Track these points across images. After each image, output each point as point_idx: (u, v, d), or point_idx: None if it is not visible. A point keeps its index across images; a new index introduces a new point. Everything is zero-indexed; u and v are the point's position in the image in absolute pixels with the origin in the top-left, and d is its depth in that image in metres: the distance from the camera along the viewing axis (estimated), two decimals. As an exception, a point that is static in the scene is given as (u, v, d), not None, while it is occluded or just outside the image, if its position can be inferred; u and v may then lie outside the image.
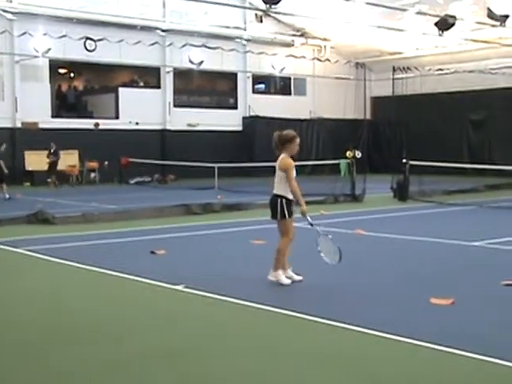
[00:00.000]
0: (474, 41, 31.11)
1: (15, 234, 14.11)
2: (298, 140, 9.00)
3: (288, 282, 8.89)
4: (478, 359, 5.86)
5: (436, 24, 24.12)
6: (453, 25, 23.52)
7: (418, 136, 36.76)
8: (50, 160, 29.08)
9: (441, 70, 35.97)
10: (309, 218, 8.89)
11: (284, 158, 8.89)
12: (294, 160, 9.00)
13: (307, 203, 20.30)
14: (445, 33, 23.53)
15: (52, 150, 29.14)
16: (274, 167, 9.03)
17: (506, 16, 23.72)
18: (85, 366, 5.88)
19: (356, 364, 5.88)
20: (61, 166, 31.41)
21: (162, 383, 5.45)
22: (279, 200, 8.86)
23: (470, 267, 10.48)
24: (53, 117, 32.54)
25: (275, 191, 8.96)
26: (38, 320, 7.48)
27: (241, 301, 8.06)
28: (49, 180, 29.26)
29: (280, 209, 8.86)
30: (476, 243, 12.62)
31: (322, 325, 7.05)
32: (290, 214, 8.95)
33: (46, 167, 29.49)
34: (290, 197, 8.88)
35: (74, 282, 9.57)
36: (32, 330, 7.04)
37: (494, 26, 24.45)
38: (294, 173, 8.83)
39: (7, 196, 22.85)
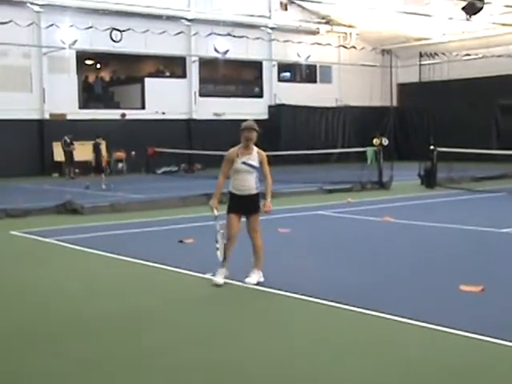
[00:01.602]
0: (503, 25, 30.74)
1: (44, 224, 14.25)
2: (246, 134, 8.23)
3: (217, 281, 8.24)
4: (507, 346, 5.82)
5: (463, 8, 23.88)
6: (481, 9, 23.28)
7: (445, 122, 36.53)
8: (68, 150, 29.35)
9: (468, 55, 35.61)
10: (215, 212, 8.37)
11: (231, 149, 8.44)
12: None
13: (335, 191, 20.28)
14: (472, 17, 23.28)
15: (68, 140, 29.34)
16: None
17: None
18: (111, 354, 5.96)
19: (386, 351, 5.87)
20: (89, 157, 31.62)
21: (187, 370, 5.49)
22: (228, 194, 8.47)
23: (500, 254, 10.40)
24: (80, 108, 32.73)
25: None
26: (65, 309, 7.54)
27: (266, 288, 8.08)
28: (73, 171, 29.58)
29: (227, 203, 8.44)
30: (506, 230, 12.52)
31: (352, 313, 7.05)
32: (230, 210, 8.37)
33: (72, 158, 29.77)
34: (234, 191, 8.36)
35: (102, 271, 9.65)
36: (59, 319, 7.11)
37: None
38: (227, 166, 8.29)
39: (104, 186, 22.98)
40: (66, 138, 29.37)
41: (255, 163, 8.28)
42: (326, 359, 5.71)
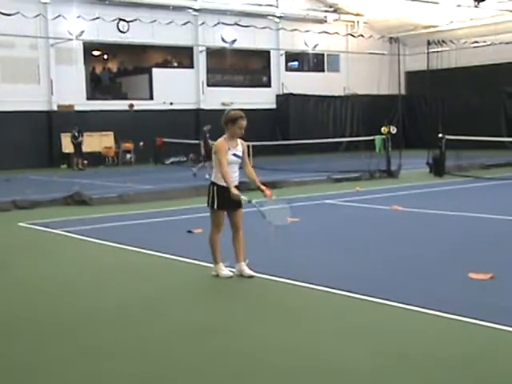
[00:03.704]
0: (511, 11, 30.56)
1: (53, 215, 14.28)
2: (242, 123, 8.06)
3: (228, 274, 8.19)
4: (517, 333, 5.82)
5: (471, -5, 23.74)
6: (489, -4, 23.14)
7: (453, 110, 36.40)
8: (77, 142, 29.48)
9: (476, 42, 35.42)
10: (243, 197, 8.05)
11: (218, 141, 8.16)
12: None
13: (343, 180, 20.10)
14: (480, 4, 23.15)
15: (76, 134, 29.48)
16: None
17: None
18: (121, 343, 5.99)
19: (393, 339, 5.87)
20: (97, 148, 31.75)
21: (196, 358, 5.50)
22: (210, 187, 8.20)
23: (510, 241, 10.36)
24: (88, 99, 32.77)
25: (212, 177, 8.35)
26: (74, 300, 7.56)
27: (273, 277, 8.09)
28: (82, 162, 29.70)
29: (209, 196, 8.20)
30: (515, 217, 12.47)
31: (358, 300, 7.04)
32: (220, 204, 8.12)
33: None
34: (223, 183, 8.05)
35: (110, 262, 9.66)
36: (68, 310, 7.13)
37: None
38: (225, 157, 8.00)
39: (207, 176, 22.27)
40: (74, 132, 29.49)
41: (241, 154, 8.25)
42: (333, 347, 5.71)
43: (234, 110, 8.40)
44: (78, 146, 29.67)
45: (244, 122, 8.12)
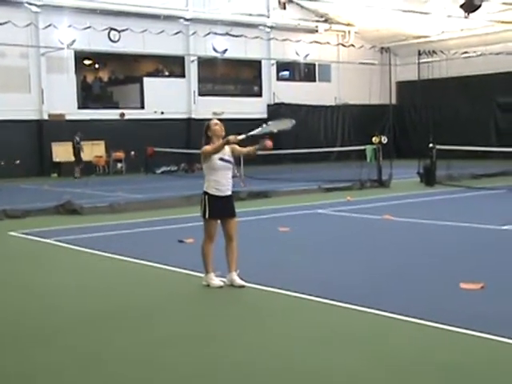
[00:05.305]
0: (502, 22, 30.74)
1: (44, 224, 14.24)
2: (215, 121, 8.41)
3: (219, 283, 8.15)
4: (507, 343, 5.82)
5: (461, 6, 23.85)
6: (479, 7, 23.25)
7: (444, 120, 36.54)
8: (77, 147, 29.50)
9: (467, 52, 35.59)
10: (241, 136, 8.04)
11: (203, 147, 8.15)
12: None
13: (334, 189, 20.03)
14: (470, 15, 23.27)
15: (78, 138, 29.48)
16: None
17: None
18: (111, 349, 5.99)
19: (384, 348, 5.86)
20: (88, 157, 31.68)
21: (187, 367, 5.49)
22: (202, 196, 8.18)
23: (500, 251, 10.39)
24: (79, 108, 32.70)
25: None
26: (66, 308, 7.54)
27: (263, 287, 8.08)
28: (80, 170, 29.63)
29: (201, 206, 8.17)
30: (505, 227, 12.51)
31: (349, 310, 7.03)
32: (212, 214, 8.10)
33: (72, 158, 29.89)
34: (213, 192, 8.07)
35: (101, 271, 9.64)
36: (60, 318, 7.11)
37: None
38: (210, 148, 8.02)
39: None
40: (76, 137, 29.50)
41: (230, 158, 8.21)
42: (323, 356, 5.70)
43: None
44: (78, 153, 29.64)
45: (217, 120, 8.43)
